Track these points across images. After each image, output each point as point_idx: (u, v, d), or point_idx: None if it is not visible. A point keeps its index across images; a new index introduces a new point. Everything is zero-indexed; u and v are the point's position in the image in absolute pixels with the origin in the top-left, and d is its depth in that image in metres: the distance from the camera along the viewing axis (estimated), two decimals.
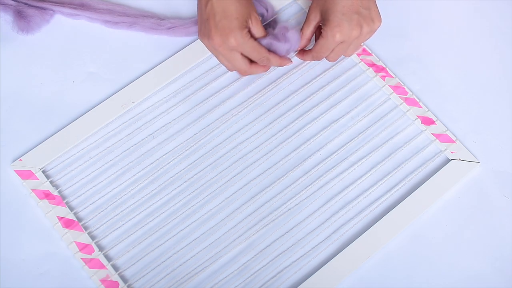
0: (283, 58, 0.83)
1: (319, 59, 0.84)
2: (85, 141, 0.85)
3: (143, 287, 0.78)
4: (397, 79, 0.88)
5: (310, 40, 0.84)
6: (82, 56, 0.90)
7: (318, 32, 0.83)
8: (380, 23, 0.80)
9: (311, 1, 0.84)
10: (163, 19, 0.91)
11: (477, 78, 0.89)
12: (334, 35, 0.78)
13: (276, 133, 0.86)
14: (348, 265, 0.78)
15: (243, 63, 0.82)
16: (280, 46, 0.81)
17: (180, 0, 0.93)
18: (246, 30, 0.79)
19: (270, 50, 0.82)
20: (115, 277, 0.78)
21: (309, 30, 0.83)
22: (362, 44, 0.87)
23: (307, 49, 0.85)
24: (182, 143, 0.85)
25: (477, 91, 0.89)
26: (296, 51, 0.85)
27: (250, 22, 0.79)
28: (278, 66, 0.85)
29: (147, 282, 0.78)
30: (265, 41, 0.81)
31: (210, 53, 0.86)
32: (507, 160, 0.84)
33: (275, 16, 0.91)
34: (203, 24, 0.80)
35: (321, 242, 0.80)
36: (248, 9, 0.80)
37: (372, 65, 0.89)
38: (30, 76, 0.89)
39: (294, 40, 0.82)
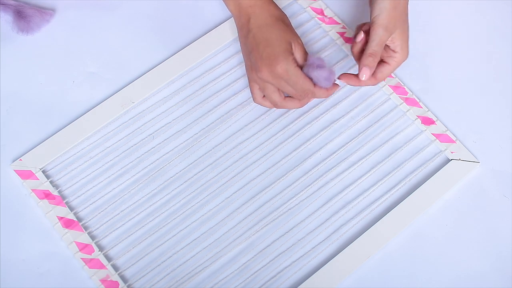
0: (330, 88, 0.79)
1: (375, 84, 0.82)
2: (85, 141, 0.85)
3: (143, 287, 0.78)
4: (397, 79, 0.88)
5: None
6: (82, 56, 0.90)
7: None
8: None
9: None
10: None
11: (477, 78, 0.89)
12: (403, 60, 0.80)
13: (276, 133, 0.86)
14: (348, 265, 0.78)
15: (278, 95, 0.80)
16: (323, 74, 0.77)
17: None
18: (292, 57, 0.76)
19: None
20: (115, 277, 0.78)
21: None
22: None
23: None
24: (182, 143, 0.85)
25: (477, 91, 0.89)
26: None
27: (293, 47, 0.77)
28: (323, 97, 0.81)
29: (147, 282, 0.78)
30: (306, 70, 0.77)
31: (260, 84, 0.80)
32: (507, 160, 0.84)
33: None
34: (248, 58, 0.79)
35: (321, 242, 0.80)
36: (290, 34, 0.78)
37: None
38: (30, 76, 0.89)
39: (331, 72, 0.79)
